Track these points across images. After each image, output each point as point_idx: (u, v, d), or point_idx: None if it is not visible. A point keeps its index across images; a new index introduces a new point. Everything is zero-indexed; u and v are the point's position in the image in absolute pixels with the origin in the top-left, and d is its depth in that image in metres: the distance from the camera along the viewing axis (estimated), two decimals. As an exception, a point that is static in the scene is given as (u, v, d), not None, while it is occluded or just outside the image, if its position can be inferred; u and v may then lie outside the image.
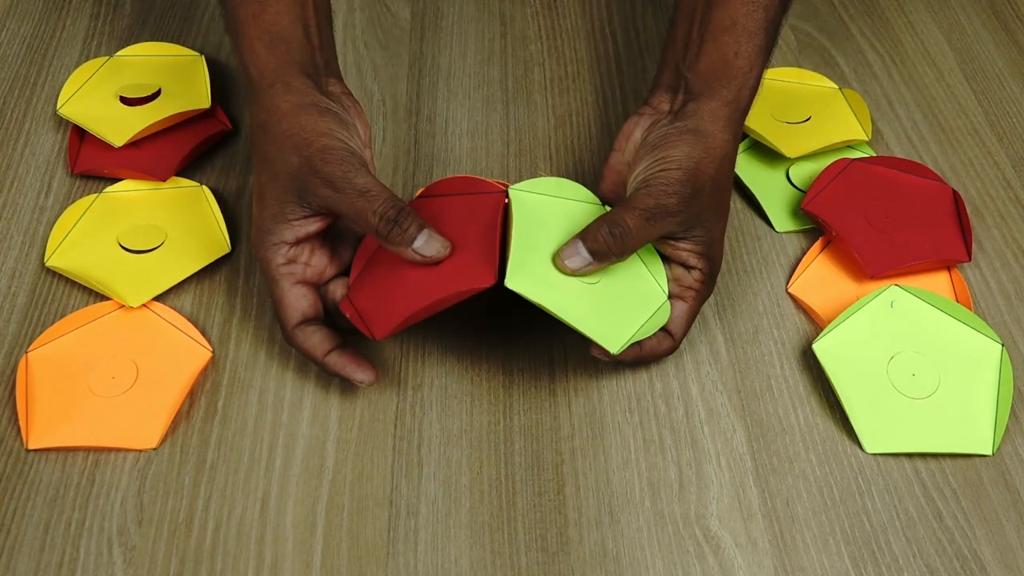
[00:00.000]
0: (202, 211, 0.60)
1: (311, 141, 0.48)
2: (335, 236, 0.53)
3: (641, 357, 0.51)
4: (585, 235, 0.48)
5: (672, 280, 0.52)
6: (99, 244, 0.58)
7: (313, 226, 0.50)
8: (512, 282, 0.46)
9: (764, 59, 0.53)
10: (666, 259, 0.52)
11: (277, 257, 0.50)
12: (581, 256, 0.48)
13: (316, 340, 0.50)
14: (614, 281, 0.50)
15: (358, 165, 0.48)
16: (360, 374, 0.50)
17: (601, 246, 0.47)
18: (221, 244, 0.58)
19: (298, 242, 0.50)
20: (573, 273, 0.48)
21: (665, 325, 0.51)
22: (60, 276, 0.58)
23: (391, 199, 0.48)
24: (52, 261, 0.57)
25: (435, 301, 0.47)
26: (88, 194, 0.61)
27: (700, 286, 0.51)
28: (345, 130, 0.50)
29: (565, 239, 0.49)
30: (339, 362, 0.50)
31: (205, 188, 0.61)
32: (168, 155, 0.62)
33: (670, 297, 0.51)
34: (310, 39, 0.53)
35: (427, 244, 0.48)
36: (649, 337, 0.50)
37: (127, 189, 0.61)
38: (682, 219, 0.49)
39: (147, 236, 0.58)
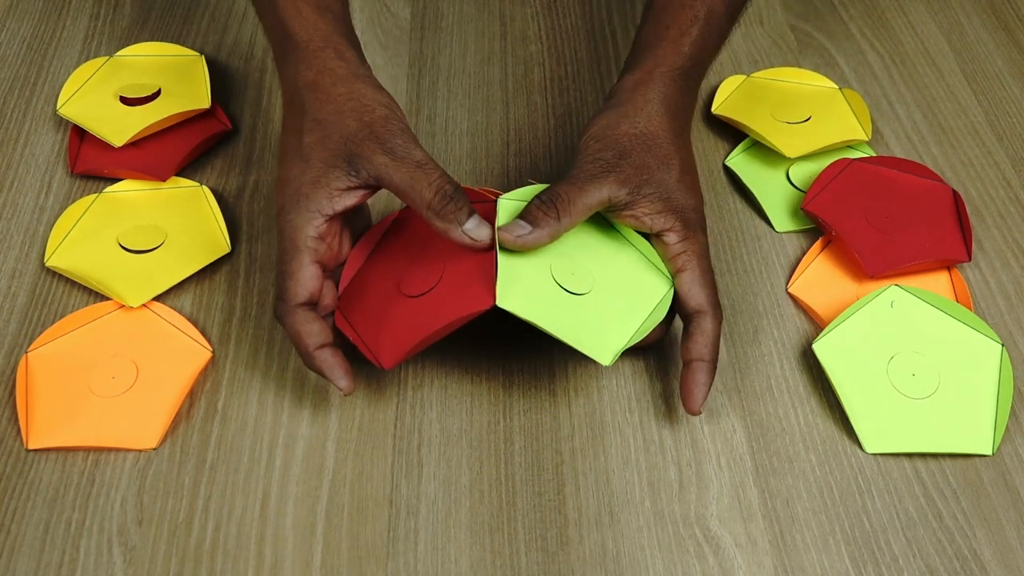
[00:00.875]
0: (202, 211, 0.60)
1: (372, 108, 0.48)
2: (353, 227, 0.53)
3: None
4: (525, 211, 0.48)
5: (663, 259, 0.51)
6: (99, 244, 0.58)
7: (353, 199, 0.49)
8: (504, 301, 0.46)
9: (702, 25, 0.55)
10: (648, 239, 0.52)
11: (309, 228, 0.48)
12: (520, 226, 0.47)
13: (313, 329, 0.48)
14: (610, 285, 0.50)
15: (415, 140, 0.49)
16: (344, 381, 0.48)
17: (538, 218, 0.47)
18: (221, 244, 0.58)
19: (332, 217, 0.49)
20: (515, 245, 0.47)
21: (687, 301, 0.50)
22: (60, 276, 0.58)
23: (446, 175, 0.48)
24: (52, 261, 0.57)
25: (439, 328, 0.47)
26: (88, 194, 0.61)
27: (685, 243, 0.50)
28: (399, 110, 0.50)
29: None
30: (330, 361, 0.48)
31: (205, 188, 0.61)
32: (168, 155, 0.62)
33: (675, 275, 0.51)
34: (347, 17, 0.54)
35: (478, 228, 0.47)
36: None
37: (127, 189, 0.61)
38: (616, 181, 0.48)
39: (147, 236, 0.58)
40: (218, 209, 0.60)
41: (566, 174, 0.50)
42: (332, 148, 0.48)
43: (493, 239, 0.48)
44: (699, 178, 0.54)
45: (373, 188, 0.49)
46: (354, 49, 0.53)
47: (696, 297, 0.50)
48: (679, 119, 0.53)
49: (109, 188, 0.61)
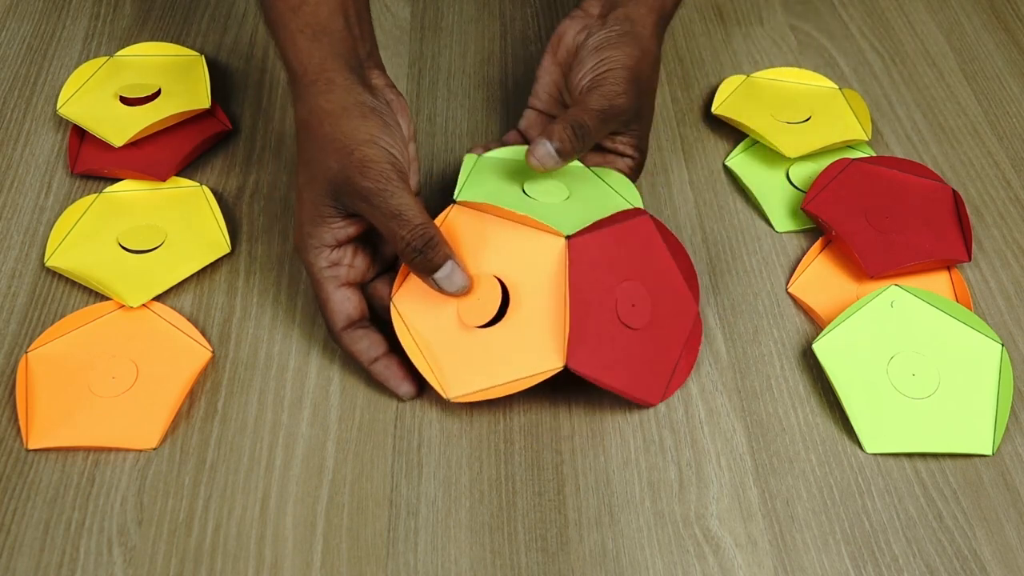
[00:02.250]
0: (202, 211, 0.60)
1: (351, 149, 0.48)
2: (377, 235, 0.53)
3: None
4: (551, 134, 0.50)
5: (607, 166, 0.57)
6: (99, 244, 0.58)
7: (351, 228, 0.50)
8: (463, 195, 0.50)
9: None
10: (599, 149, 0.57)
11: (320, 260, 0.50)
12: (550, 155, 0.50)
13: (363, 346, 0.51)
14: (583, 197, 0.53)
15: (396, 180, 0.48)
16: (404, 387, 0.52)
17: (566, 145, 0.51)
18: (221, 244, 0.58)
19: (339, 244, 0.50)
20: (542, 168, 0.51)
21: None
22: (60, 276, 0.58)
23: (421, 226, 0.48)
24: (52, 261, 0.57)
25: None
26: (88, 194, 0.61)
27: (631, 172, 0.57)
28: (388, 135, 0.50)
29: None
30: (385, 373, 0.51)
31: (205, 188, 0.61)
32: (168, 155, 0.62)
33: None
34: (351, 30, 0.53)
35: (449, 278, 0.48)
36: None
37: (127, 189, 0.61)
38: (629, 116, 0.54)
39: (147, 236, 0.58)
40: (218, 209, 0.60)
41: (578, 88, 0.54)
42: (318, 188, 0.49)
43: (469, 285, 0.49)
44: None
45: (365, 221, 0.50)
46: (348, 70, 0.51)
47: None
48: (659, 59, 0.59)
49: (109, 188, 0.61)
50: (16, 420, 0.51)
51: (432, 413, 0.52)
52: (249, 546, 0.47)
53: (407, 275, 0.51)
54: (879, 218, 0.59)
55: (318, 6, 0.52)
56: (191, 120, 0.64)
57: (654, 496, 0.49)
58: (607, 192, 0.54)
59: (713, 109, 0.67)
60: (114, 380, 0.52)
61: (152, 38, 0.72)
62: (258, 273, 0.58)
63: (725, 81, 0.68)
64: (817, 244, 0.59)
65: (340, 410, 0.52)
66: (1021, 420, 0.53)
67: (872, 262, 0.56)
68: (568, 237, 0.49)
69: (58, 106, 0.64)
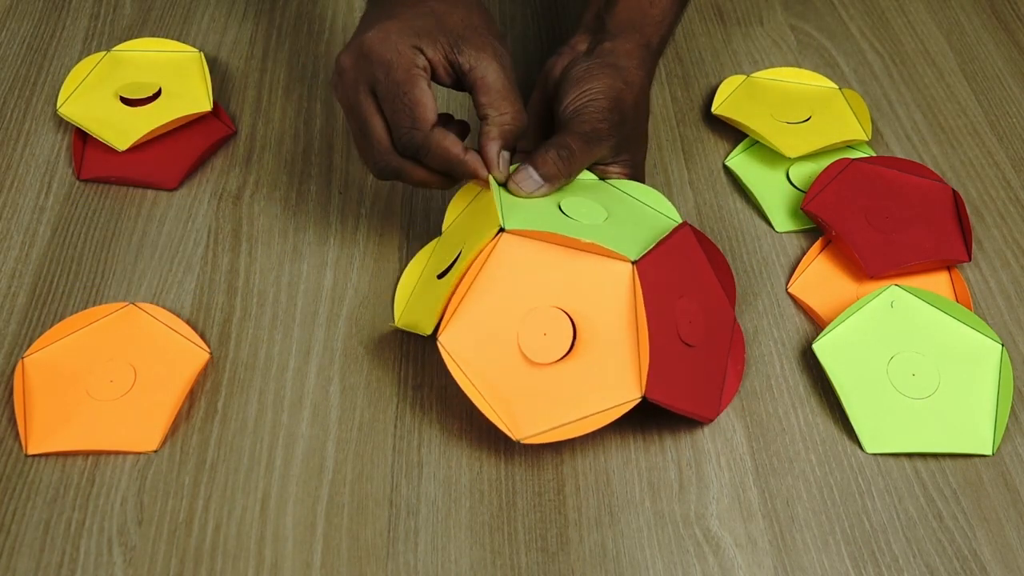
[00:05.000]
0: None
1: (487, 15, 0.51)
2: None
3: None
4: (535, 161, 0.51)
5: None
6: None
7: (441, 72, 0.50)
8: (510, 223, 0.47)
9: (678, 9, 0.60)
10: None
11: (417, 56, 0.48)
12: (533, 180, 0.50)
13: (452, 139, 0.49)
14: (622, 215, 0.52)
15: (496, 57, 0.50)
16: (483, 171, 0.50)
17: (551, 169, 0.51)
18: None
19: (430, 64, 0.49)
20: (528, 196, 0.50)
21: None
22: (60, 276, 0.58)
23: (523, 113, 0.51)
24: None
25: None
26: (89, 196, 0.62)
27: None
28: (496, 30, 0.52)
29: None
30: (477, 160, 0.50)
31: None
32: (175, 163, 0.63)
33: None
34: None
35: (529, 180, 0.51)
36: None
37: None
38: (613, 143, 0.53)
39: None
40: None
41: (561, 117, 0.53)
42: (442, 23, 0.49)
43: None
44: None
45: (456, 80, 0.50)
46: None
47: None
48: (649, 92, 0.58)
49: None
50: (16, 419, 0.51)
51: (432, 413, 0.52)
52: (249, 546, 0.47)
53: (454, 311, 0.48)
54: (879, 218, 0.59)
55: None
56: (194, 123, 0.64)
57: (654, 496, 0.49)
58: (641, 208, 0.53)
59: (713, 109, 0.67)
60: (112, 384, 0.52)
61: (152, 37, 0.71)
62: (258, 273, 0.58)
63: (725, 81, 0.68)
64: (817, 244, 0.59)
65: (340, 410, 0.52)
66: (1021, 420, 0.53)
67: (872, 262, 0.56)
68: (635, 262, 0.47)
69: (58, 105, 0.64)
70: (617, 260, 0.47)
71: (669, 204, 0.54)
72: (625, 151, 0.55)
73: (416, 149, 0.49)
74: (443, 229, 0.55)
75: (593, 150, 0.52)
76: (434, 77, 0.50)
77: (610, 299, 0.47)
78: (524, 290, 0.48)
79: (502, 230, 0.47)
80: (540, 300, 0.48)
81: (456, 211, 0.55)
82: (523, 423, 0.47)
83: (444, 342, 0.48)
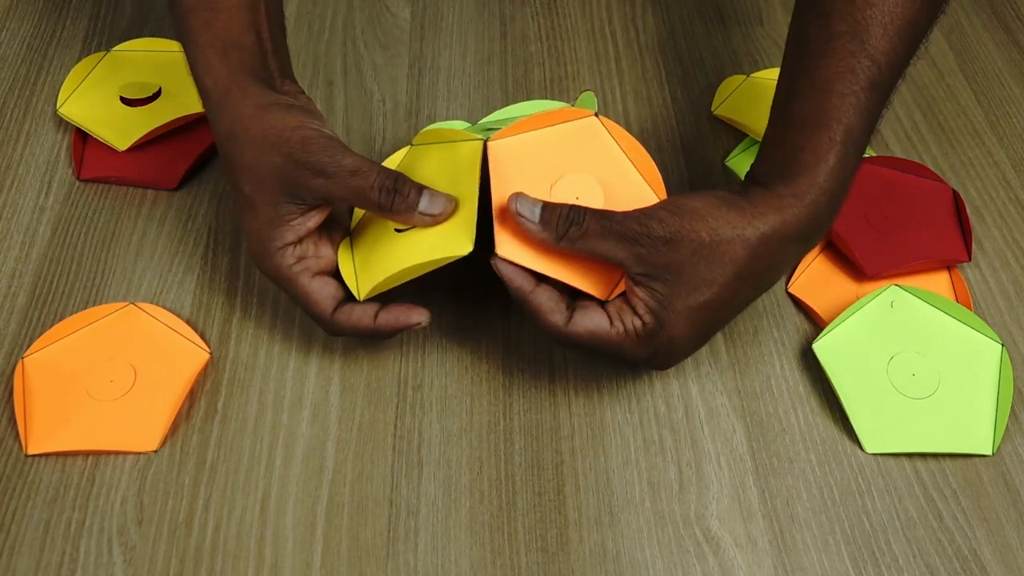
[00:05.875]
0: None
1: (287, 137, 0.48)
2: (333, 224, 0.52)
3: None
4: (547, 210, 0.46)
5: (616, 308, 0.47)
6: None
7: (312, 220, 0.49)
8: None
9: (841, 149, 0.46)
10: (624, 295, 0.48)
11: (286, 259, 0.49)
12: (530, 220, 0.46)
13: (358, 313, 0.50)
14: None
15: (340, 147, 0.48)
16: (416, 316, 0.50)
17: (555, 223, 0.46)
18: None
19: (300, 240, 0.50)
20: (515, 216, 0.46)
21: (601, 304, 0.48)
22: (60, 276, 0.58)
23: (383, 170, 0.47)
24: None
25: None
26: (90, 195, 0.61)
27: (630, 333, 0.47)
28: (314, 119, 0.50)
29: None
30: (391, 318, 0.50)
31: None
32: (175, 163, 0.62)
33: (605, 304, 0.48)
34: (262, 44, 0.52)
35: (431, 203, 0.47)
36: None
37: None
38: (636, 254, 0.45)
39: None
40: None
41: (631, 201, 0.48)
42: (269, 189, 0.48)
43: (452, 205, 0.48)
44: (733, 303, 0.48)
45: (325, 205, 0.49)
46: (260, 82, 0.50)
47: (592, 319, 0.47)
48: (789, 263, 0.48)
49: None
50: (16, 419, 0.51)
51: (432, 413, 0.52)
52: (249, 546, 0.47)
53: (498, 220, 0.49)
54: (879, 218, 0.59)
55: (230, 22, 0.51)
56: (194, 123, 0.64)
57: (654, 496, 0.49)
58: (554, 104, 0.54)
59: (713, 109, 0.67)
60: (112, 384, 0.52)
61: (152, 37, 0.71)
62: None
63: (725, 81, 0.68)
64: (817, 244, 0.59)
65: (340, 410, 0.52)
66: (1021, 420, 0.53)
67: (872, 262, 0.56)
68: (486, 140, 0.48)
69: (58, 104, 0.64)
70: (471, 141, 0.48)
71: (593, 100, 0.54)
72: (660, 280, 0.45)
73: (334, 333, 0.52)
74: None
75: (605, 241, 0.45)
76: (310, 227, 0.49)
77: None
78: (535, 176, 0.48)
79: (485, 141, 0.48)
80: (556, 176, 0.49)
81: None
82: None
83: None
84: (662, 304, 0.46)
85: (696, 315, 0.46)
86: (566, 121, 0.49)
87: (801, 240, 0.47)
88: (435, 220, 0.48)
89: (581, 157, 0.49)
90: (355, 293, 0.50)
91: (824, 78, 0.47)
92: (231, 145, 0.49)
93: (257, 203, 0.49)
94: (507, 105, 0.68)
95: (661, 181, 0.50)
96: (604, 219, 0.45)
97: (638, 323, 0.46)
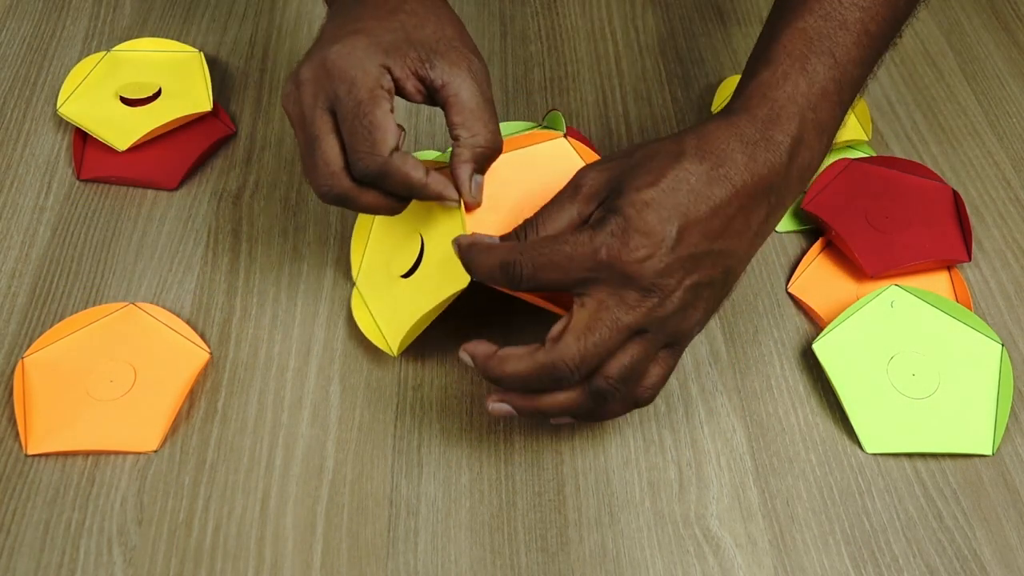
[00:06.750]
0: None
1: (459, 24, 0.48)
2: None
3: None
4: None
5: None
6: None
7: (411, 84, 0.46)
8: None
9: (792, 73, 0.45)
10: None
11: (383, 77, 0.45)
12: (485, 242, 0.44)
13: (412, 163, 0.45)
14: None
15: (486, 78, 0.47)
16: (452, 193, 0.46)
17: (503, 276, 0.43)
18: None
19: (396, 79, 0.46)
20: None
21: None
22: (60, 276, 0.58)
23: (497, 132, 0.47)
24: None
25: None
26: (90, 196, 0.61)
27: (590, 224, 0.42)
28: (452, 27, 0.48)
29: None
30: (441, 182, 0.46)
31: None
32: (175, 163, 0.63)
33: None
34: None
35: (479, 187, 0.47)
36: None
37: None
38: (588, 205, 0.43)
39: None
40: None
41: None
42: (412, 37, 0.46)
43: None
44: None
45: (427, 96, 0.47)
46: None
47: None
48: (742, 168, 0.43)
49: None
50: (16, 419, 0.51)
51: (432, 413, 0.52)
52: (249, 546, 0.47)
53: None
54: (879, 218, 0.59)
55: None
56: (194, 123, 0.64)
57: (654, 496, 0.49)
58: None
59: (713, 109, 0.66)
60: (112, 384, 0.52)
61: (152, 37, 0.71)
62: (258, 273, 0.58)
63: (725, 81, 0.68)
64: (817, 244, 0.59)
65: (340, 410, 0.52)
66: (1021, 420, 0.53)
67: (872, 262, 0.56)
68: (565, 135, 0.49)
69: (58, 104, 0.64)
70: (553, 138, 0.50)
71: (561, 120, 0.53)
72: (607, 191, 0.43)
73: (373, 174, 0.45)
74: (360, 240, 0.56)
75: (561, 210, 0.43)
76: (403, 94, 0.46)
77: (568, 171, 0.46)
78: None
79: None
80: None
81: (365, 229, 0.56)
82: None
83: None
84: (615, 196, 0.42)
85: (651, 198, 0.41)
86: (536, 143, 0.50)
87: (748, 143, 0.43)
88: (472, 202, 0.47)
89: (549, 177, 0.48)
90: (388, 350, 0.52)
91: (778, 15, 0.47)
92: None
93: (383, 31, 0.46)
94: (505, 104, 0.68)
95: None
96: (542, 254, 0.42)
97: (593, 218, 0.43)
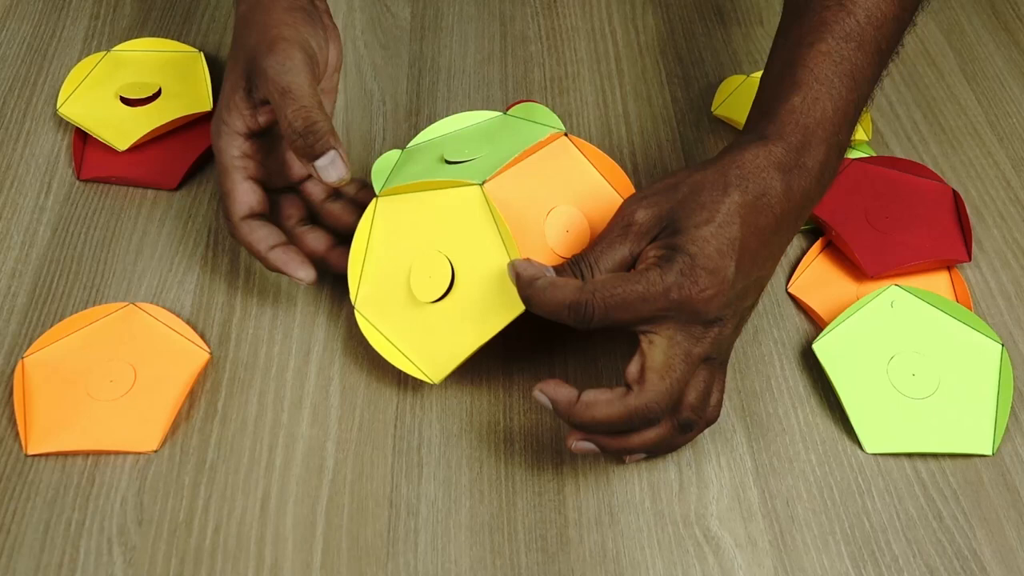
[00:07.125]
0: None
1: (269, 28, 0.49)
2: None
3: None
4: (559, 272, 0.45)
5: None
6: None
7: (261, 118, 0.50)
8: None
9: (805, 89, 0.46)
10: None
11: (232, 148, 0.50)
12: (540, 276, 0.44)
13: (261, 235, 0.51)
14: (504, 142, 0.52)
15: (300, 63, 0.48)
16: (301, 272, 0.51)
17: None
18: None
19: (250, 134, 0.51)
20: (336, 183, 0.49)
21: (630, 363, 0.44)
22: (60, 276, 0.58)
23: (306, 108, 0.47)
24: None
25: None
26: (90, 195, 0.61)
27: (651, 265, 0.43)
28: (312, 31, 0.50)
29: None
30: (282, 258, 0.51)
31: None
32: (176, 163, 0.62)
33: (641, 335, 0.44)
34: None
35: (328, 168, 0.48)
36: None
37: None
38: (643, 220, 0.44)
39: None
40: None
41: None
42: (236, 70, 0.50)
43: (347, 177, 0.49)
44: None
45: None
46: None
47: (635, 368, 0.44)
48: (777, 193, 0.44)
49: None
50: (16, 419, 0.51)
51: (432, 413, 0.52)
52: (249, 546, 0.47)
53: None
54: (879, 218, 0.59)
55: None
56: (195, 123, 0.64)
57: (654, 496, 0.49)
58: (530, 127, 0.53)
59: (713, 109, 0.67)
60: (112, 384, 0.52)
61: (152, 37, 0.71)
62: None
63: (725, 81, 0.68)
64: (817, 244, 0.59)
65: (340, 410, 0.52)
66: (1021, 420, 0.53)
67: (872, 262, 0.56)
68: (482, 183, 0.48)
69: (58, 105, 0.64)
70: (465, 187, 0.48)
71: (556, 118, 0.53)
72: (664, 232, 0.44)
73: (233, 237, 0.52)
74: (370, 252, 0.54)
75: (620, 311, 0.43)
76: (267, 127, 0.51)
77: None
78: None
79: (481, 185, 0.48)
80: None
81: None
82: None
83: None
84: (672, 233, 0.43)
85: (710, 234, 0.43)
86: (541, 147, 0.50)
87: (784, 171, 0.44)
88: (327, 183, 0.49)
89: (560, 179, 0.50)
90: (425, 378, 0.50)
91: (797, 34, 0.48)
92: (240, 25, 0.51)
93: (227, 79, 0.51)
94: (507, 105, 0.68)
95: (629, 184, 0.52)
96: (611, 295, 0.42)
97: (654, 256, 0.43)
